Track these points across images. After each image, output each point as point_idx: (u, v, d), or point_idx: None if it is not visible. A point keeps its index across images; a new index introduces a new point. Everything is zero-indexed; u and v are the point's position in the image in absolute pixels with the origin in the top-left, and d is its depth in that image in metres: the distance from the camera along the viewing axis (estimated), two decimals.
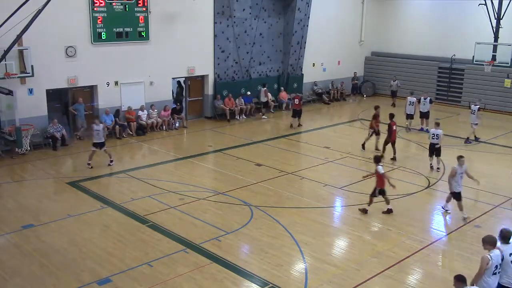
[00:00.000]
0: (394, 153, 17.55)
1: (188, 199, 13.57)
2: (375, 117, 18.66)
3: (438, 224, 12.73)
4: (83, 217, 12.44)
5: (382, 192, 12.79)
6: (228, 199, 13.66)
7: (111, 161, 16.44)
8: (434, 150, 16.29)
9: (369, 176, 13.53)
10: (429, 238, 11.60)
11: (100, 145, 16.16)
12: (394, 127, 17.42)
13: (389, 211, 12.81)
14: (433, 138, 16.25)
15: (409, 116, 21.64)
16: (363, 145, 18.73)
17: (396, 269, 10.12)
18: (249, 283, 9.59)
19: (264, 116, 24.19)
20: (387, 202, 12.87)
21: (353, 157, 17.90)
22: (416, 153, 18.69)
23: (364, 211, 12.82)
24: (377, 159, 13.06)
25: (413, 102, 21.70)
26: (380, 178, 12.76)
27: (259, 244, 11.10)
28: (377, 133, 18.62)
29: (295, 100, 22.40)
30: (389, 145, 17.53)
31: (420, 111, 21.70)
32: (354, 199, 13.90)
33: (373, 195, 12.84)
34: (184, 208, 13.01)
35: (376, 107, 18.95)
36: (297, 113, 22.18)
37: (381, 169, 12.80)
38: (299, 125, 22.38)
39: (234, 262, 10.25)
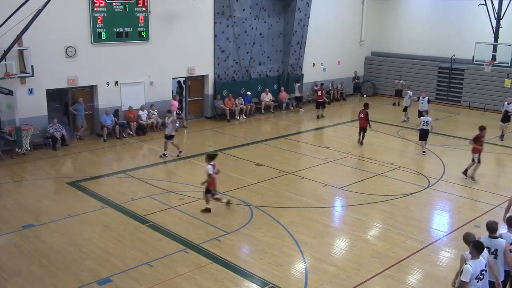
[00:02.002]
0: (362, 138, 19.26)
1: (188, 199, 13.57)
2: (479, 139, 15.53)
3: (438, 224, 12.73)
4: (83, 217, 12.44)
5: (209, 192, 12.61)
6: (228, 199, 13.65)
7: (180, 152, 17.39)
8: (425, 135, 17.91)
9: (207, 180, 12.71)
10: (429, 238, 11.60)
11: (168, 137, 17.10)
12: (362, 115, 19.13)
13: (207, 210, 12.66)
14: (424, 125, 17.87)
15: (406, 109, 23.40)
16: (464, 172, 15.66)
17: (396, 269, 10.12)
18: (249, 283, 9.59)
19: (301, 110, 25.70)
20: (207, 201, 12.69)
21: (353, 157, 17.90)
22: (416, 153, 18.68)
23: (207, 210, 12.66)
24: (209, 158, 12.74)
25: (411, 95, 23.32)
26: (211, 178, 12.57)
27: (259, 244, 11.10)
28: (478, 160, 15.35)
29: (318, 92, 24.20)
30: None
31: (419, 110, 21.83)
32: (354, 199, 13.90)
33: (208, 192, 12.67)
34: (184, 208, 13.01)
35: (482, 128, 15.66)
36: (320, 104, 23.93)
37: (210, 169, 12.52)
38: (322, 116, 24.08)
39: (234, 262, 10.25)
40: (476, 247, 7.35)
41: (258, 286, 9.46)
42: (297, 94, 26.12)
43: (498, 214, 12.90)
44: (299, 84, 26.12)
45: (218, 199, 12.82)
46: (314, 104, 25.15)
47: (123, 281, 9.46)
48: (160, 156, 17.30)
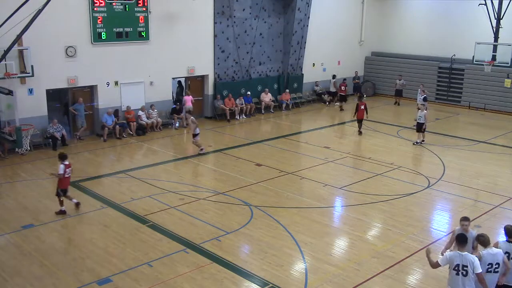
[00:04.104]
0: (359, 128, 20.88)
1: (188, 199, 13.57)
2: None
3: (438, 224, 12.73)
4: (83, 217, 12.44)
5: (63, 192, 12.49)
6: (228, 199, 13.66)
7: (201, 150, 17.84)
8: (420, 128, 19.33)
9: (54, 175, 12.68)
10: (429, 238, 11.60)
11: (192, 136, 17.97)
12: (362, 107, 20.72)
13: (61, 212, 12.44)
14: (420, 119, 19.25)
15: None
16: None
17: (396, 269, 10.12)
18: (249, 283, 9.59)
19: (336, 103, 27.11)
20: (70, 199, 12.60)
21: (353, 157, 17.90)
22: (416, 153, 18.69)
23: (62, 212, 12.45)
24: (61, 157, 12.53)
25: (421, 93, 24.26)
26: (61, 178, 12.41)
27: (259, 244, 11.10)
28: None
29: (342, 87, 26.53)
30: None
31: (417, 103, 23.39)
32: (354, 199, 13.91)
33: (58, 195, 12.50)
34: (184, 208, 13.01)
35: None
36: (343, 98, 26.30)
37: (61, 168, 12.35)
38: (341, 109, 25.85)
39: (234, 262, 10.26)
40: (457, 239, 7.58)
41: (258, 286, 9.46)
42: (332, 89, 27.71)
43: (498, 214, 12.97)
44: (334, 80, 27.57)
45: (68, 197, 12.62)
46: (314, 104, 25.89)
47: (123, 281, 9.46)
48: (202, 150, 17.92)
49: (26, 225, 11.86)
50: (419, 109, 19.95)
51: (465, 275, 7.32)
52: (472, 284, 7.37)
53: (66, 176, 12.44)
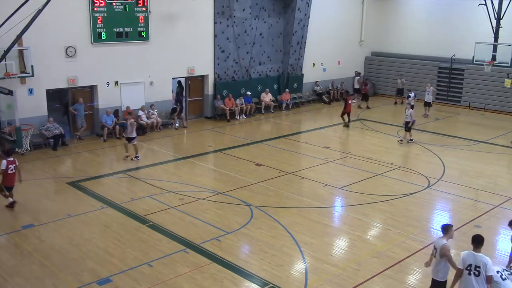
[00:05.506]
0: (348, 121, 22.11)
1: (188, 199, 13.57)
2: None
3: (438, 224, 12.68)
4: (83, 217, 12.44)
5: (8, 189, 12.58)
6: (228, 199, 13.66)
7: (136, 156, 17.00)
8: (407, 126, 19.70)
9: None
10: (429, 238, 11.58)
11: (128, 139, 17.07)
12: (350, 101, 22.11)
13: (11, 205, 12.63)
14: (406, 118, 19.59)
15: (427, 104, 24.76)
16: None
17: (396, 269, 10.12)
18: (249, 283, 9.59)
19: (353, 101, 26.69)
20: (9, 196, 12.63)
21: (353, 157, 17.90)
22: (416, 153, 18.69)
23: (11, 205, 12.63)
24: (7, 153, 12.64)
25: (430, 92, 24.52)
26: (4, 175, 12.42)
27: (259, 244, 11.10)
28: None
29: (363, 86, 27.76)
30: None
31: (425, 101, 24.62)
32: (354, 199, 13.91)
33: (1, 190, 12.60)
34: (184, 208, 13.01)
35: None
36: (365, 97, 27.03)
37: (3, 164, 12.35)
38: (368, 107, 26.52)
39: (234, 262, 10.26)
40: (473, 240, 7.59)
41: (258, 286, 9.46)
42: (356, 86, 28.68)
43: (498, 214, 12.96)
44: (358, 77, 28.68)
45: (5, 196, 12.67)
46: (314, 104, 26.39)
47: (123, 281, 9.46)
48: (132, 159, 16.91)
49: (26, 225, 11.86)
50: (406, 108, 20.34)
51: (477, 276, 7.33)
52: (485, 284, 7.36)
53: (10, 172, 12.50)
